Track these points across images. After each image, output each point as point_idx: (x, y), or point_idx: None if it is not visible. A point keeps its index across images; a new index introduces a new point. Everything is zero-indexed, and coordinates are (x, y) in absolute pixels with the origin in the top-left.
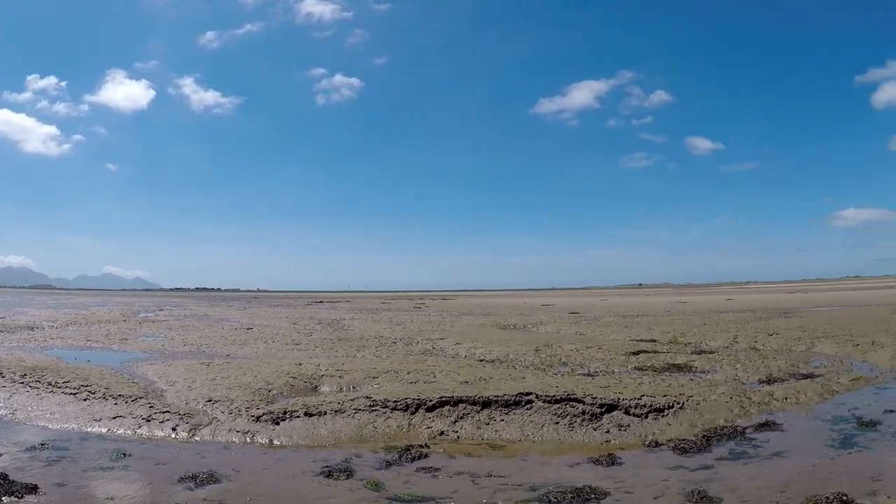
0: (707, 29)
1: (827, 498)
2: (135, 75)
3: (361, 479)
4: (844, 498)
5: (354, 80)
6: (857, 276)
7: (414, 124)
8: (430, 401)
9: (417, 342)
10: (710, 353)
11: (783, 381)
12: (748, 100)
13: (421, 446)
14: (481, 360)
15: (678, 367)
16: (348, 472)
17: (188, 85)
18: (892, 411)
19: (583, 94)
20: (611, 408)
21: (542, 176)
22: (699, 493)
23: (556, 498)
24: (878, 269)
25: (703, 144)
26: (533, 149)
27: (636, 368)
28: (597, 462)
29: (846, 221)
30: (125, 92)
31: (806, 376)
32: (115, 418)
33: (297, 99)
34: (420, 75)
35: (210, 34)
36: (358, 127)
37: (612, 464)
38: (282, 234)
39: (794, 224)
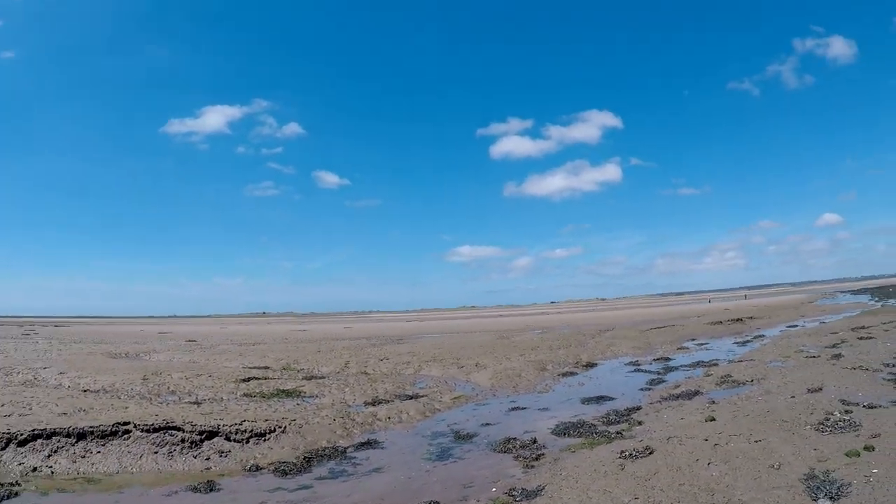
0: (343, 67)
1: None
2: None
3: None
4: None
5: None
6: (473, 306)
7: (36, 128)
8: (22, 434)
9: (19, 371)
10: (320, 378)
11: (388, 402)
12: (376, 140)
13: (11, 484)
14: (85, 391)
15: (287, 393)
16: None
17: None
18: (487, 424)
19: (215, 118)
20: (211, 434)
21: (166, 198)
22: None
23: None
24: (489, 300)
25: (330, 178)
26: (159, 169)
27: (245, 395)
28: (195, 489)
29: (462, 257)
30: None
31: (411, 397)
32: None
33: None
34: (49, 76)
35: None
36: None
37: (212, 490)
38: None
39: (414, 258)
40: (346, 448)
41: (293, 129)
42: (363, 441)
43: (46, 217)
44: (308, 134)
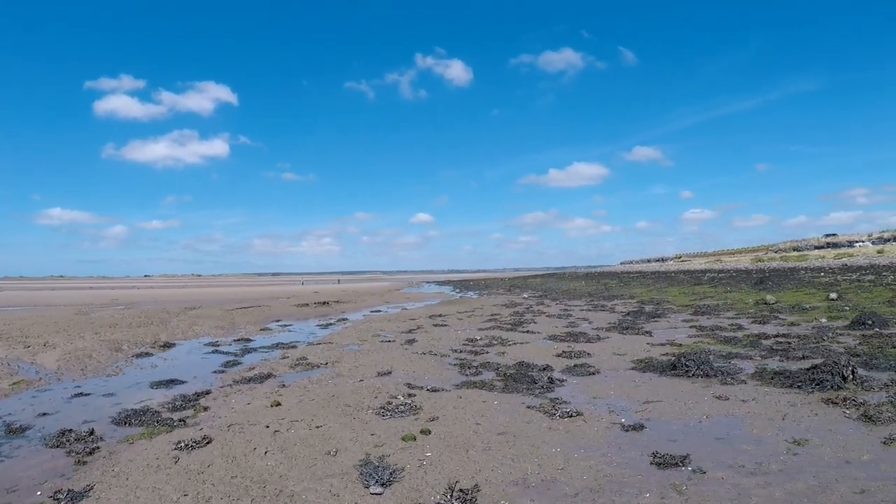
0: None
1: None
2: None
3: None
4: None
5: None
6: (62, 276)
7: None
8: None
9: None
10: None
11: None
12: None
13: None
14: None
15: None
16: None
17: None
18: (45, 414)
19: None
20: None
21: None
22: None
23: None
24: (82, 270)
25: None
26: None
27: None
28: None
29: (53, 220)
30: None
31: None
32: None
33: None
34: None
35: None
36: None
37: None
38: None
39: None
40: None
41: None
42: None
43: None
44: None
